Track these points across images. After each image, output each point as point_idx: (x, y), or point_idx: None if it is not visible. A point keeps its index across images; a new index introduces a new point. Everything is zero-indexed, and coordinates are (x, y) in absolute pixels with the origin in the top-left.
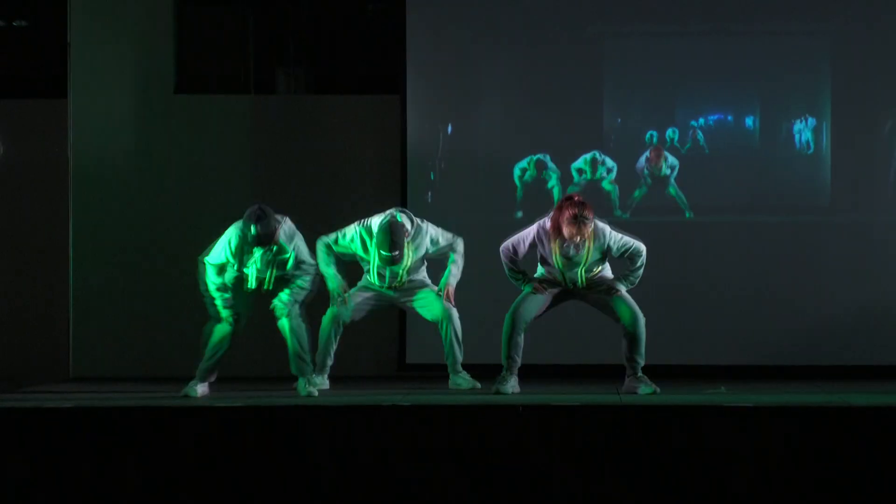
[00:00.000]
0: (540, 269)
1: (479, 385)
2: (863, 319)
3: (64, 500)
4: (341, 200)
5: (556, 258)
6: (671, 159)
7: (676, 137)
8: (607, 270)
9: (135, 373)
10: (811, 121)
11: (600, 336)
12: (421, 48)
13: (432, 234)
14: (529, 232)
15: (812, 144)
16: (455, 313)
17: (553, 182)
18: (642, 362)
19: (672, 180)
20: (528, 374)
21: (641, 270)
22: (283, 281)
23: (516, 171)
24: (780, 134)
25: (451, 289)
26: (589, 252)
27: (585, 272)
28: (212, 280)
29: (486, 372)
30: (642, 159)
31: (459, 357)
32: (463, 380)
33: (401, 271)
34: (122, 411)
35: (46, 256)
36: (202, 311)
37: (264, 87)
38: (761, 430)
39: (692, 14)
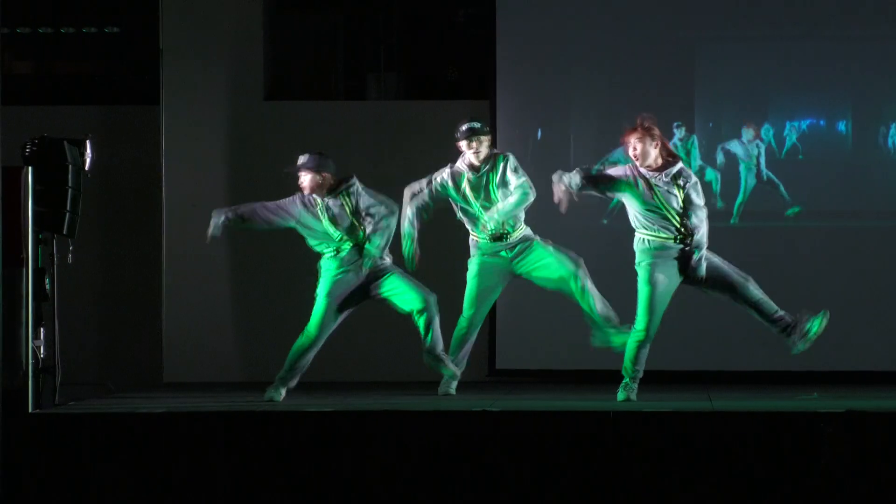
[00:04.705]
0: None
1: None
2: None
3: None
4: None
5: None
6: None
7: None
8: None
9: (228, 378)
10: None
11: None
12: (511, 54)
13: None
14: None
15: None
16: None
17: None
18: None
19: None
20: (603, 379)
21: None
22: None
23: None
24: (872, 139)
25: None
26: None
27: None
28: None
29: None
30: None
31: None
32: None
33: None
34: (213, 416)
35: (139, 262)
36: (294, 316)
37: (354, 93)
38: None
39: (784, 18)
